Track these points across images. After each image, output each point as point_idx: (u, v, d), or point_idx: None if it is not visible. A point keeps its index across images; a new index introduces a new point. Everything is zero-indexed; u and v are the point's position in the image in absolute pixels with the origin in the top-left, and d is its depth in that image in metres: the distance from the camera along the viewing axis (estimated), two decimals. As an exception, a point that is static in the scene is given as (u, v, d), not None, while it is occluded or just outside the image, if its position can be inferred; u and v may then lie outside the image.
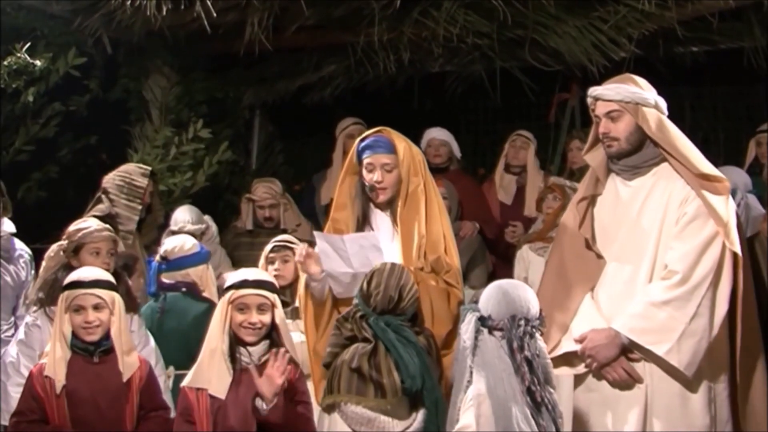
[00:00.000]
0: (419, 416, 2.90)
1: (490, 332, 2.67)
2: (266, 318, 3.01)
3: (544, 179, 5.06)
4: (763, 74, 5.14)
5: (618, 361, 2.94)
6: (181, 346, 3.60)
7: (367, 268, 3.12)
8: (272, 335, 3.03)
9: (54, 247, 3.77)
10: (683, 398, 2.94)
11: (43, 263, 3.81)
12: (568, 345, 3.03)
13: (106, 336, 3.09)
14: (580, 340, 2.99)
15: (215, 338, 3.00)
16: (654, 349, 2.90)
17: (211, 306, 3.65)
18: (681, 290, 2.90)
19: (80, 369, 3.06)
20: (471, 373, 2.63)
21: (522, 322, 2.64)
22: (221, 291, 3.98)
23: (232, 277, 3.13)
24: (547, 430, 2.57)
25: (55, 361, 3.05)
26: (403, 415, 2.88)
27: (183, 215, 4.83)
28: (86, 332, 3.07)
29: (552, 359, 2.97)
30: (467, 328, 2.69)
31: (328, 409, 2.93)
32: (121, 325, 3.11)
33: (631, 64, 4.71)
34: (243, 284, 3.02)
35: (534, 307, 2.70)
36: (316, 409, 3.10)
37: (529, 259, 4.55)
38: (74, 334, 3.09)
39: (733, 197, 3.96)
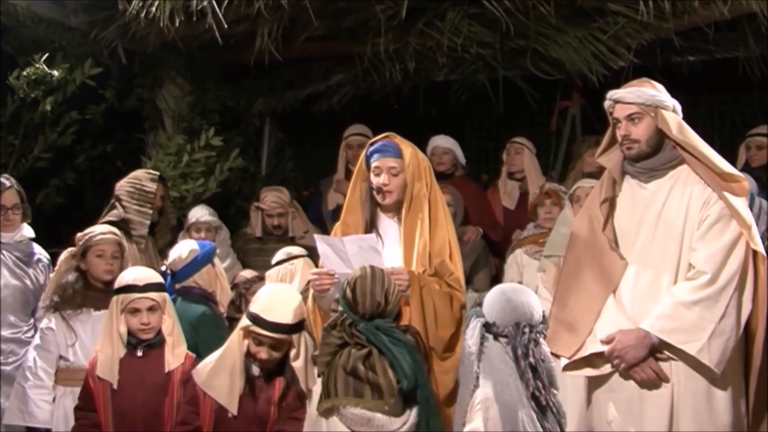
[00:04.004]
0: (413, 412, 2.93)
1: (495, 338, 2.71)
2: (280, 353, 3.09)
3: (542, 184, 5.04)
4: (757, 82, 5.21)
5: (647, 361, 2.95)
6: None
7: None
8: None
9: (66, 252, 3.89)
10: (709, 395, 2.97)
11: (56, 268, 3.93)
12: (593, 347, 3.03)
13: (155, 333, 3.29)
14: (607, 341, 2.98)
15: (235, 357, 3.07)
16: (686, 348, 2.91)
17: (210, 309, 3.74)
18: (710, 290, 2.93)
19: (125, 363, 3.25)
20: (477, 378, 2.66)
21: (526, 329, 2.67)
22: (239, 285, 3.98)
23: (256, 306, 3.12)
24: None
25: (111, 362, 3.25)
26: (399, 412, 2.91)
27: (198, 210, 4.98)
28: (142, 332, 3.28)
29: (574, 361, 3.04)
30: (473, 333, 2.72)
31: (326, 413, 2.93)
32: (172, 323, 3.32)
33: (630, 73, 4.75)
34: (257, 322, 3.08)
35: (537, 312, 2.72)
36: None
37: (523, 263, 4.57)
38: (128, 332, 3.28)
39: (752, 202, 3.96)
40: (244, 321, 3.11)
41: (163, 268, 4.03)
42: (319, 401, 2.97)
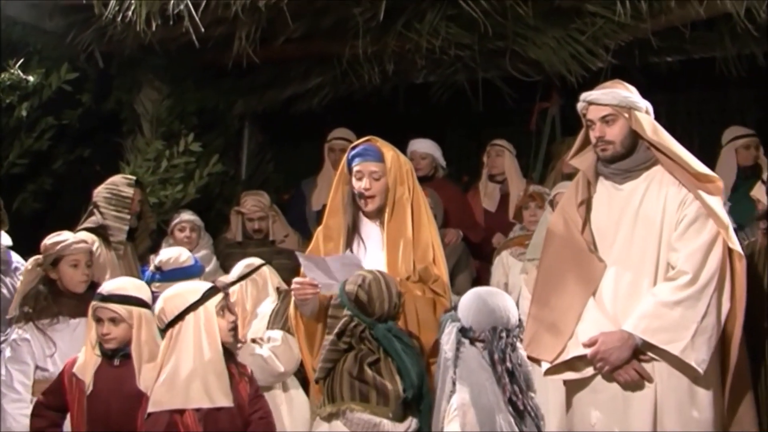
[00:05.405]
0: (415, 418, 2.93)
1: (471, 343, 2.70)
2: None
3: (526, 186, 5.10)
4: (734, 81, 5.24)
5: (630, 363, 2.97)
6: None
7: None
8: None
9: (30, 261, 3.82)
10: (692, 393, 2.99)
11: (21, 278, 3.86)
12: (575, 350, 3.03)
13: (128, 343, 3.17)
14: (589, 344, 2.99)
15: (214, 350, 2.98)
16: (669, 349, 2.92)
17: None
18: (691, 290, 2.94)
19: (102, 370, 3.19)
20: (454, 383, 2.64)
21: (503, 334, 2.66)
22: None
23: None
24: None
25: (85, 364, 3.20)
26: (401, 418, 2.92)
27: (183, 214, 5.03)
28: (104, 342, 3.18)
29: (555, 365, 3.05)
30: (448, 338, 2.71)
31: (330, 417, 2.94)
32: (141, 338, 3.15)
33: (608, 73, 4.80)
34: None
35: (514, 315, 2.72)
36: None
37: (509, 264, 4.62)
38: None
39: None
40: (208, 307, 3.01)
41: (151, 266, 3.98)
42: (322, 405, 2.96)
